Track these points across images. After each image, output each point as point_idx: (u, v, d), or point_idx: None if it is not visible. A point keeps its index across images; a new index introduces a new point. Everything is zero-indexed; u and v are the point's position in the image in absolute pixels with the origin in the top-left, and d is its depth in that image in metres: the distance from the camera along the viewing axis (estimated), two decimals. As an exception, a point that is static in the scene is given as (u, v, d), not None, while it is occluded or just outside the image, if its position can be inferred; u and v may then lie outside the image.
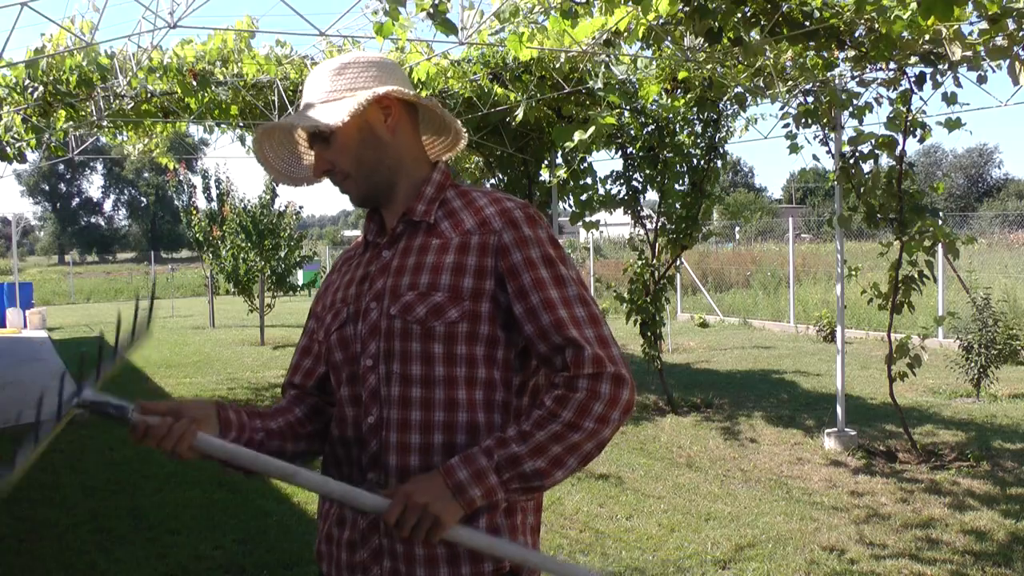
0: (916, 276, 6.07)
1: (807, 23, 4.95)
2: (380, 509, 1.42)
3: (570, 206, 8.06)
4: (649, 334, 7.95)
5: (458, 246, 1.51)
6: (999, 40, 4.72)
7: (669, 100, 7.27)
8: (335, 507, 1.59)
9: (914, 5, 4.71)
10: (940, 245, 5.97)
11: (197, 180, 15.68)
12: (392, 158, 1.57)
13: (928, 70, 5.62)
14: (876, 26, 5.02)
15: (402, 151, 1.58)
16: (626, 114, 7.52)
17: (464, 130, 1.70)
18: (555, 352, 1.46)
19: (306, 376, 1.68)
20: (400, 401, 1.49)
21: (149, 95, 7.65)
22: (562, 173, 7.48)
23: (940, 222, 5.94)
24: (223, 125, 9.11)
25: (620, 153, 7.97)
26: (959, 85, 5.73)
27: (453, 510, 1.39)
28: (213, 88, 7.28)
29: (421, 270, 1.51)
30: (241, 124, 8.97)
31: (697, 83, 6.98)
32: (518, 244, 1.49)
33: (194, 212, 15.32)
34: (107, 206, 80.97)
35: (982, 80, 5.56)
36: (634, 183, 7.98)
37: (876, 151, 6.09)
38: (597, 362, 1.43)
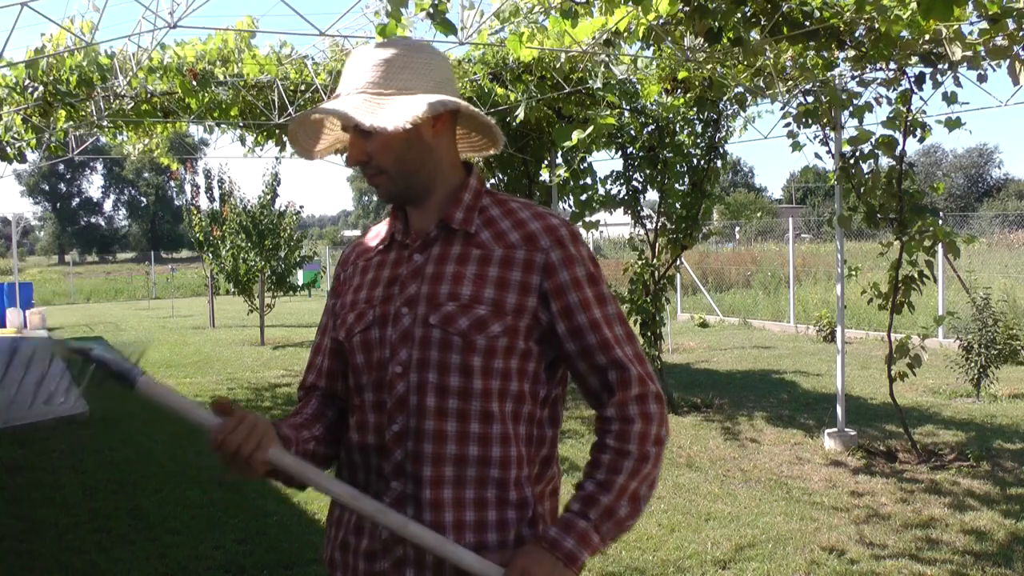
0: (916, 276, 6.07)
1: (807, 23, 4.95)
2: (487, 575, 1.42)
3: (570, 206, 8.06)
4: (649, 334, 7.95)
5: (502, 259, 1.49)
6: (999, 40, 4.72)
7: (669, 100, 7.27)
8: (353, 514, 1.55)
9: (914, 5, 4.71)
10: (940, 245, 5.97)
11: (200, 180, 15.68)
12: (433, 162, 1.54)
13: (928, 70, 5.62)
14: (876, 26, 5.02)
15: (442, 156, 1.55)
16: (626, 114, 7.52)
17: (502, 137, 1.65)
18: (596, 372, 1.50)
19: (330, 378, 1.66)
20: (436, 412, 1.47)
21: (149, 95, 7.65)
22: (562, 172, 7.48)
23: (940, 222, 5.94)
24: (223, 125, 9.12)
25: (620, 153, 7.97)
26: (959, 85, 5.73)
27: None
28: (213, 88, 7.29)
29: (462, 280, 1.49)
30: (241, 124, 8.97)
31: (697, 83, 6.98)
32: (565, 263, 1.50)
33: (195, 212, 15.33)
34: (107, 206, 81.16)
35: (982, 80, 5.56)
36: (634, 183, 7.97)
37: (876, 151, 6.09)
38: (641, 382, 1.49)
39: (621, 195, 7.96)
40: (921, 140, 6.03)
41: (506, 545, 1.47)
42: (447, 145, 1.56)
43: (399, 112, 1.44)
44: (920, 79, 5.71)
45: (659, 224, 8.02)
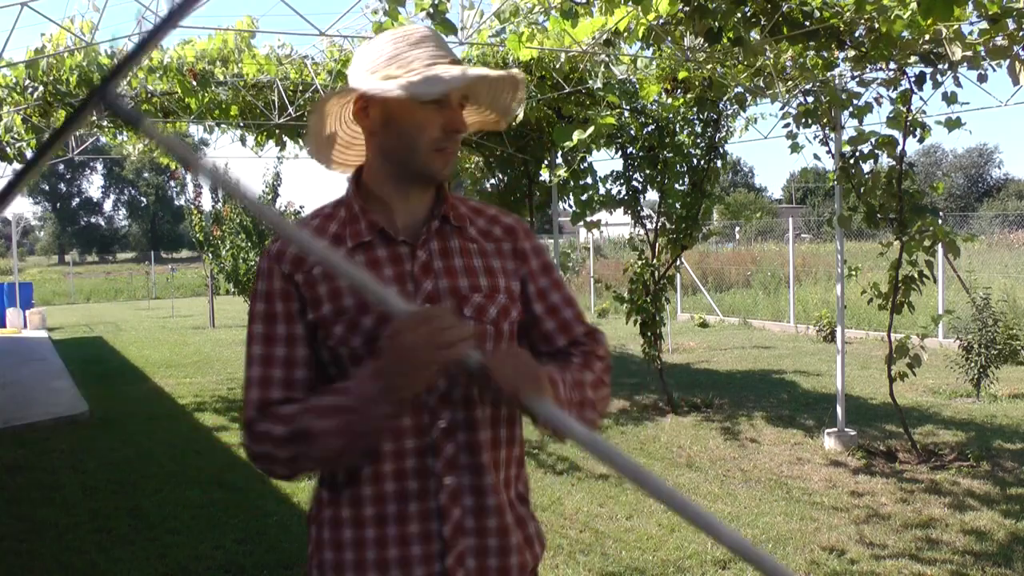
0: (916, 276, 6.07)
1: (807, 23, 4.95)
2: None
3: (570, 206, 8.06)
4: (649, 334, 7.95)
5: (495, 251, 1.59)
6: (999, 40, 4.72)
7: (669, 100, 7.27)
8: (395, 549, 1.46)
9: (914, 5, 4.71)
10: (940, 245, 5.97)
11: (203, 180, 15.68)
12: None
13: (928, 70, 5.62)
14: (876, 26, 5.02)
15: None
16: (626, 114, 7.52)
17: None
18: (575, 344, 1.63)
19: (307, 391, 1.48)
20: (477, 400, 1.50)
21: (149, 95, 7.65)
22: (562, 172, 7.48)
23: (940, 222, 5.93)
24: (223, 125, 9.12)
25: (620, 153, 7.97)
26: (959, 85, 5.73)
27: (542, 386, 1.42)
28: (213, 88, 7.29)
29: (475, 273, 1.54)
30: (241, 124, 8.97)
31: (697, 83, 6.98)
32: (535, 251, 1.64)
33: (195, 212, 15.33)
34: (107, 206, 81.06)
35: (982, 80, 5.56)
36: (634, 183, 7.97)
37: (876, 151, 6.09)
38: (606, 347, 1.67)
39: (621, 195, 7.96)
40: (921, 140, 6.03)
41: (532, 517, 1.59)
42: None
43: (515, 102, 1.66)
44: (920, 79, 5.71)
45: (659, 224, 8.02)
